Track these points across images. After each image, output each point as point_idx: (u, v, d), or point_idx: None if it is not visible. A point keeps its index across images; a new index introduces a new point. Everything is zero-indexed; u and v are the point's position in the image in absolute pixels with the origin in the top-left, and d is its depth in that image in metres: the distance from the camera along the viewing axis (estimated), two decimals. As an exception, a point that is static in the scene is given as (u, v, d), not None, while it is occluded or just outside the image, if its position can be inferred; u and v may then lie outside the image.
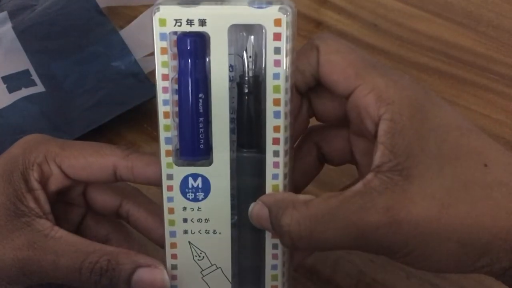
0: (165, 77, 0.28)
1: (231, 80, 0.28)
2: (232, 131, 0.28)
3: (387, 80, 0.27)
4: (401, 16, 0.58)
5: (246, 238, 0.30)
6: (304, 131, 0.32)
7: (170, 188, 0.29)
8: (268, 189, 0.29)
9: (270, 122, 0.28)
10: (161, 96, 0.28)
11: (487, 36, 0.55)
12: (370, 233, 0.25)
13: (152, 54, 0.28)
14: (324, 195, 0.26)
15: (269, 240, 0.29)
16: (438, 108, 0.27)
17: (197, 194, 0.29)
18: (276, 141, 0.28)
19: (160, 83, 0.28)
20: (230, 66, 0.28)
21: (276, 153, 0.28)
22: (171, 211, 0.29)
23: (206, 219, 0.30)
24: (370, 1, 0.59)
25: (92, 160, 0.31)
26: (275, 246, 0.30)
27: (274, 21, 0.26)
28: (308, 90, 0.30)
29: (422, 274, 0.38)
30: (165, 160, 0.29)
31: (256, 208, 0.28)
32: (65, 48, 0.52)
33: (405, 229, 0.25)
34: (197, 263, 0.30)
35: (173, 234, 0.30)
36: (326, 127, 0.33)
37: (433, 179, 0.25)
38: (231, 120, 0.28)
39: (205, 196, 0.29)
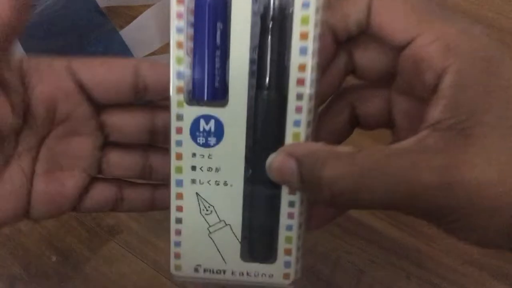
0: (180, 1, 0.25)
1: (254, 13, 0.25)
2: (252, 70, 0.25)
3: (455, 29, 0.24)
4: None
5: (259, 193, 0.27)
6: (337, 88, 0.29)
7: (179, 130, 0.26)
8: (288, 137, 0.26)
9: (295, 59, 0.25)
10: (174, 22, 0.25)
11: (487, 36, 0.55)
12: (420, 194, 0.22)
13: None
14: (371, 148, 0.24)
15: (286, 196, 0.27)
16: (511, 65, 0.24)
17: (209, 138, 0.26)
18: (300, 82, 0.25)
19: (174, 8, 0.25)
20: None
21: (299, 96, 0.25)
22: (179, 156, 0.27)
23: (216, 168, 0.27)
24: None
25: (110, 64, 0.28)
26: (291, 204, 0.27)
27: None
28: (348, 40, 0.27)
29: (422, 274, 0.38)
30: (176, 97, 0.26)
31: (278, 160, 0.25)
32: (65, 48, 0.52)
33: (458, 193, 0.22)
34: (204, 217, 0.27)
35: (179, 183, 0.27)
36: (363, 86, 0.30)
37: (497, 142, 0.22)
38: (251, 60, 0.25)
39: (217, 142, 0.26)
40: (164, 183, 0.30)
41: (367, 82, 0.29)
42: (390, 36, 0.25)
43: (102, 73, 0.28)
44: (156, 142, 0.30)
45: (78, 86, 0.28)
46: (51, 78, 0.27)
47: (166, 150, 0.28)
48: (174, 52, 0.25)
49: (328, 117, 0.29)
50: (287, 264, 0.28)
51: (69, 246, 0.40)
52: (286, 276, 0.28)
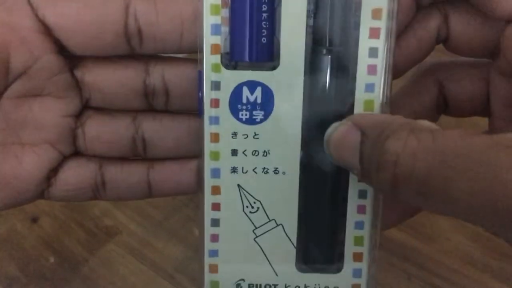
0: None
1: None
2: (310, 22, 0.20)
3: None
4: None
5: (320, 182, 0.22)
6: (424, 56, 0.24)
7: (215, 102, 0.20)
8: (358, 106, 0.20)
9: (368, 3, 0.19)
10: None
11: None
12: None
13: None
14: (461, 129, 0.17)
15: (355, 184, 0.21)
16: None
17: (254, 113, 0.21)
18: (374, 33, 0.20)
19: None
20: None
21: (373, 52, 0.20)
22: (215, 138, 0.21)
23: (264, 152, 0.21)
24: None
25: None
26: (362, 194, 0.21)
27: None
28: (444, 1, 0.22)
29: (423, 275, 0.37)
30: (210, 59, 0.20)
31: (340, 131, 0.19)
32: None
33: None
34: (248, 217, 0.22)
35: (216, 173, 0.21)
36: (457, 62, 0.24)
37: None
38: (309, 9, 0.20)
39: (265, 117, 0.21)
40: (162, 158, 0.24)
41: (460, 58, 0.24)
42: (495, 5, 0.20)
43: (75, 8, 0.20)
44: (155, 107, 0.23)
45: (41, 26, 0.21)
46: (2, 13, 0.20)
47: (161, 114, 0.23)
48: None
49: (410, 96, 0.24)
50: (356, 273, 0.22)
51: (67, 248, 0.40)
52: (356, 287, 0.22)
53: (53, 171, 0.23)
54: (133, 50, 0.21)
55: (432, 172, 0.16)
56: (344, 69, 0.20)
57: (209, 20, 0.20)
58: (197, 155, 0.22)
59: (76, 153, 0.24)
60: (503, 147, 0.16)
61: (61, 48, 0.21)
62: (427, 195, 0.17)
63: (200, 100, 0.21)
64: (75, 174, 0.23)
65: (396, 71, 0.21)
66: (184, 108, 0.23)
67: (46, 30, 0.21)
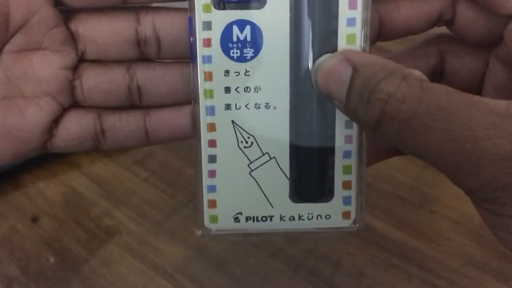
0: None
1: None
2: None
3: None
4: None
5: (309, 114, 0.23)
6: (420, 30, 0.25)
7: (207, 42, 0.21)
8: (341, 40, 0.21)
9: None
10: None
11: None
12: (488, 161, 0.18)
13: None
14: (446, 86, 0.19)
15: (341, 116, 0.22)
16: None
17: (245, 50, 0.22)
18: None
19: None
20: None
21: None
22: (209, 76, 0.22)
23: (256, 88, 0.22)
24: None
25: None
26: (349, 125, 0.22)
27: None
28: None
29: (424, 275, 0.37)
30: (201, 0, 0.21)
31: (331, 62, 0.21)
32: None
33: None
34: (243, 151, 0.23)
35: (211, 110, 0.22)
36: (460, 41, 0.25)
37: None
38: None
39: (256, 53, 0.22)
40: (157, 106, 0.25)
41: (467, 39, 0.25)
42: (498, 3, 0.21)
43: None
44: (148, 56, 0.25)
45: None
46: None
47: (154, 63, 0.24)
48: None
49: (410, 58, 0.25)
50: (346, 200, 0.23)
51: (67, 247, 0.40)
52: (347, 215, 0.23)
53: (55, 122, 0.24)
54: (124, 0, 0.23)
55: (415, 117, 0.18)
56: (328, 2, 0.21)
57: None
58: (190, 100, 0.23)
59: (76, 105, 0.25)
60: (481, 109, 0.18)
61: (55, 1, 0.22)
62: (406, 136, 0.19)
63: (192, 44, 0.22)
64: (76, 124, 0.24)
65: (392, 33, 0.23)
66: (175, 56, 0.24)
67: None
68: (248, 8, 0.21)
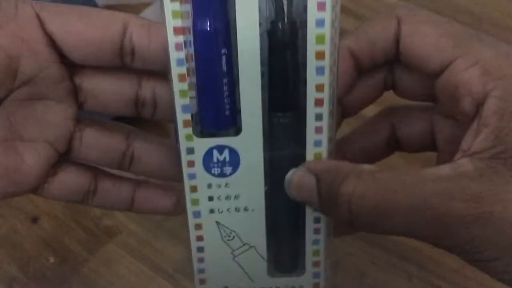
0: (178, 30, 0.22)
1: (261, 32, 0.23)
2: (264, 93, 0.24)
3: (495, 52, 0.22)
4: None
5: (283, 214, 0.26)
6: (373, 100, 0.28)
7: (191, 163, 0.25)
8: (309, 158, 0.25)
9: (312, 79, 0.23)
10: (174, 55, 0.23)
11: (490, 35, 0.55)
12: (450, 224, 0.20)
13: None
14: (397, 170, 0.22)
15: (310, 213, 0.26)
16: None
17: (224, 168, 0.25)
18: (319, 102, 0.23)
19: (172, 39, 0.22)
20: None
21: (319, 117, 0.24)
22: (194, 189, 0.25)
23: (235, 196, 0.25)
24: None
25: (91, 16, 0.23)
26: (317, 220, 0.26)
27: None
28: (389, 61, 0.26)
29: (424, 275, 0.37)
30: (184, 131, 0.24)
31: (297, 175, 0.24)
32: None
33: (497, 227, 0.20)
34: (226, 243, 0.27)
35: (197, 214, 0.26)
36: (406, 106, 0.28)
37: None
38: (263, 83, 0.24)
39: (234, 170, 0.25)
40: (146, 180, 0.28)
41: (410, 103, 0.28)
42: (424, 63, 0.24)
43: (80, 27, 0.23)
44: (142, 115, 0.27)
45: (49, 40, 0.23)
46: (14, 26, 0.22)
47: (153, 137, 0.27)
48: (176, 85, 0.23)
49: (366, 135, 0.28)
50: (316, 275, 0.27)
51: (67, 247, 0.40)
52: (316, 285, 0.27)
53: (53, 171, 0.25)
54: (125, 65, 0.24)
55: (377, 206, 0.21)
56: (296, 129, 0.24)
57: (179, 102, 0.23)
58: (177, 178, 0.26)
59: (74, 159, 0.26)
60: (429, 181, 0.21)
61: (63, 59, 0.24)
62: (375, 223, 0.22)
63: (178, 149, 0.25)
64: (74, 178, 0.26)
65: (350, 110, 0.27)
66: (167, 118, 0.26)
67: (53, 43, 0.23)
68: (226, 135, 0.24)
